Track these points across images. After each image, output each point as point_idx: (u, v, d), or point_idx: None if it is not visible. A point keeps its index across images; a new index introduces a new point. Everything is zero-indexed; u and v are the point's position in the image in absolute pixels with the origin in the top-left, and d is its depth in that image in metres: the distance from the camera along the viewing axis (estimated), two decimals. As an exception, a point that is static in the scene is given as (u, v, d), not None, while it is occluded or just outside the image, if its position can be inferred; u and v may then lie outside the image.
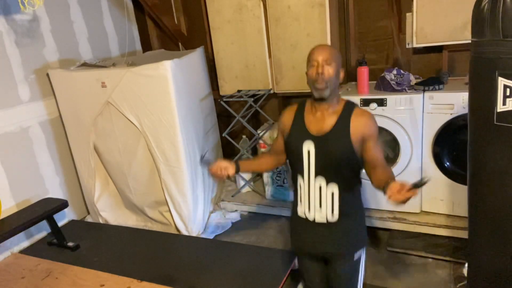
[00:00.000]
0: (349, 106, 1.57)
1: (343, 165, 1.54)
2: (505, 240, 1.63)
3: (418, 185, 1.27)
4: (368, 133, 1.52)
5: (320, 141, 1.54)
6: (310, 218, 1.63)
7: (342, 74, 1.57)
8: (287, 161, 1.75)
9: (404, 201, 1.28)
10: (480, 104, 1.59)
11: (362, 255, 1.71)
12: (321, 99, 1.53)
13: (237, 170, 1.72)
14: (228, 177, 1.72)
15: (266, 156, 1.91)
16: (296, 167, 1.64)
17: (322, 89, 1.50)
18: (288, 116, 1.67)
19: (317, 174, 1.56)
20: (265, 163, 1.87)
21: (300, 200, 1.65)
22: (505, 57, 1.44)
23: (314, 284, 1.81)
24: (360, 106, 2.68)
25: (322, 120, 1.56)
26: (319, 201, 1.59)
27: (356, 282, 1.74)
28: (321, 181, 1.56)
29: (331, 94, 1.52)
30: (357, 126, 1.52)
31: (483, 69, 1.54)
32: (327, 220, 1.60)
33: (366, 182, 2.62)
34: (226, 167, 1.68)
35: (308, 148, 1.56)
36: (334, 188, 1.56)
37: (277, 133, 1.78)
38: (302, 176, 1.60)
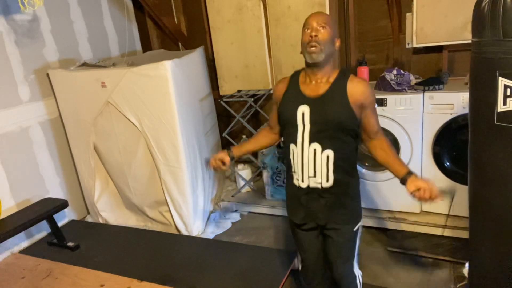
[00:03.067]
0: (344, 73, 1.54)
1: (340, 128, 1.50)
2: (506, 240, 1.63)
3: (445, 193, 1.31)
4: (367, 100, 1.50)
5: (315, 104, 1.51)
6: (304, 185, 1.60)
7: (337, 43, 1.54)
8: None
9: (428, 201, 1.34)
10: (481, 104, 1.59)
11: (359, 228, 1.69)
12: (314, 65, 1.49)
13: (232, 157, 1.78)
14: (224, 164, 1.78)
15: (263, 131, 1.89)
16: (289, 134, 1.59)
17: (316, 52, 1.46)
18: (281, 86, 1.65)
19: (311, 140, 1.52)
20: (262, 139, 1.86)
21: (294, 170, 1.61)
22: (506, 57, 1.44)
23: (309, 255, 1.80)
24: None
25: (316, 86, 1.53)
26: (313, 167, 1.55)
27: (353, 253, 1.72)
28: (316, 147, 1.52)
29: (325, 59, 1.48)
30: (354, 93, 1.49)
31: (484, 69, 1.54)
32: (321, 186, 1.57)
33: (363, 182, 2.62)
34: (221, 156, 1.76)
35: (303, 111, 1.52)
36: (329, 153, 1.52)
37: (273, 106, 1.75)
38: (295, 142, 1.56)
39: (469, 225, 1.85)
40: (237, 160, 3.48)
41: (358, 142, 1.61)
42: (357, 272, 1.80)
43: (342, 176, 1.57)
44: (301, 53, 1.53)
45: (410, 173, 1.50)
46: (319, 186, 1.57)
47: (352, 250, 1.71)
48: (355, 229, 1.67)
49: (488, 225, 1.69)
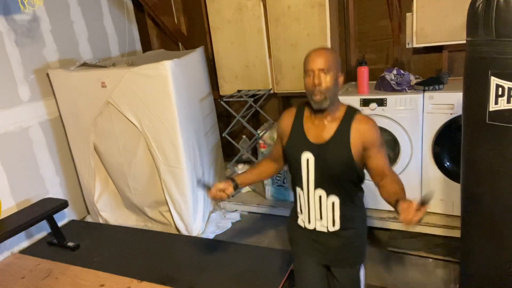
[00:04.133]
0: (350, 112, 1.49)
1: (343, 176, 1.48)
2: (498, 238, 1.64)
3: (425, 201, 1.23)
4: (370, 140, 1.44)
5: (319, 151, 1.48)
6: (310, 227, 1.60)
7: (341, 80, 1.48)
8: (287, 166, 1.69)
9: (418, 221, 1.23)
10: (473, 103, 1.60)
11: (361, 267, 1.67)
12: (320, 110, 1.47)
13: (236, 187, 1.68)
14: (229, 196, 1.68)
15: (265, 162, 1.81)
16: (295, 177, 1.59)
17: (320, 101, 1.43)
18: (286, 122, 1.60)
19: (316, 186, 1.51)
20: (265, 171, 1.79)
21: (301, 210, 1.61)
22: (498, 57, 1.45)
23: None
24: (360, 106, 2.69)
25: (321, 127, 1.49)
26: (319, 212, 1.55)
27: None
28: (321, 192, 1.51)
29: (331, 103, 1.45)
30: (358, 134, 1.44)
31: (477, 68, 1.56)
32: (327, 230, 1.57)
33: (365, 182, 2.61)
34: (224, 188, 1.64)
35: (307, 157, 1.50)
36: (334, 199, 1.51)
37: (276, 139, 1.72)
38: (301, 187, 1.56)
39: (461, 224, 1.85)
40: (237, 161, 3.48)
41: (362, 185, 1.58)
42: None
43: (349, 220, 1.56)
44: (305, 91, 1.47)
45: (398, 200, 1.36)
46: (325, 230, 1.57)
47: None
48: (360, 268, 1.66)
49: (480, 223, 1.71)
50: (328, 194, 1.51)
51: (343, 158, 1.45)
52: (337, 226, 1.55)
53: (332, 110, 1.48)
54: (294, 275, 1.81)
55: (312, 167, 1.50)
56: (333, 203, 1.52)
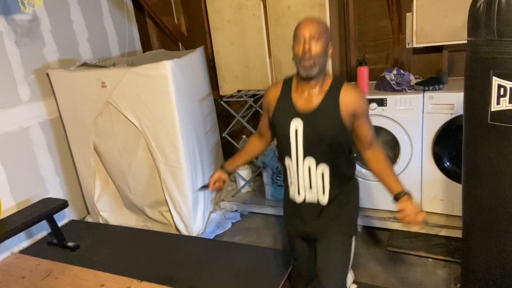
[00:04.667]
0: (338, 82, 1.50)
1: (334, 143, 1.48)
2: (499, 239, 1.64)
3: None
4: (359, 109, 1.46)
5: (308, 119, 1.47)
6: (300, 199, 1.58)
7: (330, 50, 1.49)
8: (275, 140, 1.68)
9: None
10: (475, 103, 1.60)
11: (352, 241, 1.66)
12: (308, 78, 1.46)
13: (227, 171, 1.75)
14: (224, 182, 1.75)
15: (252, 140, 1.84)
16: (283, 147, 1.56)
17: (310, 67, 1.42)
18: (273, 93, 1.59)
19: (306, 154, 1.50)
20: (253, 149, 1.81)
21: (291, 182, 1.60)
22: (500, 57, 1.45)
23: (302, 264, 1.79)
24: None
25: (309, 97, 1.49)
26: (309, 182, 1.53)
27: (345, 266, 1.67)
28: (311, 161, 1.50)
29: (320, 71, 1.44)
30: (347, 102, 1.45)
31: (478, 68, 1.55)
32: (318, 201, 1.56)
33: (365, 182, 2.61)
34: (218, 177, 1.71)
35: (296, 126, 1.48)
36: (324, 169, 1.50)
37: (263, 112, 1.70)
38: (290, 157, 1.53)
39: (462, 224, 1.85)
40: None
41: (352, 156, 1.60)
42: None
43: (339, 190, 1.55)
44: (292, 60, 1.48)
45: (404, 192, 1.46)
46: (315, 200, 1.56)
47: (345, 262, 1.66)
48: (349, 241, 1.64)
49: (481, 223, 1.70)
50: (317, 162, 1.50)
51: (333, 123, 1.46)
52: (327, 196, 1.54)
53: (320, 80, 1.48)
54: (291, 250, 1.84)
55: (301, 135, 1.49)
56: (322, 173, 1.51)
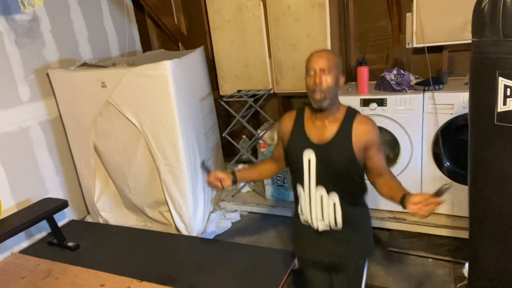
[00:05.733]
0: (351, 113, 1.52)
1: (345, 174, 1.50)
2: (507, 240, 1.63)
3: (440, 193, 1.24)
4: (371, 140, 1.48)
5: (321, 150, 1.50)
6: (314, 227, 1.60)
7: (342, 81, 1.51)
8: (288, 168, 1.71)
9: (429, 214, 1.25)
10: (481, 104, 1.59)
11: (365, 264, 1.69)
12: (320, 110, 1.49)
13: (235, 181, 1.69)
14: (223, 188, 1.68)
15: (266, 162, 1.84)
16: (296, 176, 1.60)
17: (320, 100, 1.45)
18: (287, 123, 1.63)
19: (317, 183, 1.53)
20: (265, 171, 1.81)
21: (301, 210, 1.62)
22: (506, 57, 1.44)
23: None
24: (360, 106, 2.69)
25: (322, 128, 1.52)
26: (320, 211, 1.56)
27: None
28: (322, 191, 1.53)
29: (331, 103, 1.47)
30: (359, 134, 1.47)
31: (484, 69, 1.54)
32: (330, 228, 1.58)
33: (365, 182, 2.59)
34: (223, 178, 1.65)
35: (309, 157, 1.52)
36: (335, 198, 1.52)
37: (277, 140, 1.74)
38: (302, 185, 1.57)
39: (469, 225, 1.84)
40: (237, 161, 3.48)
41: (364, 183, 1.61)
42: None
43: (350, 218, 1.56)
44: (306, 91, 1.50)
45: (405, 194, 1.38)
46: (328, 228, 1.58)
47: (359, 286, 1.70)
48: (360, 265, 1.67)
49: (488, 225, 1.69)
50: (329, 192, 1.52)
51: (345, 157, 1.48)
52: (340, 225, 1.56)
53: (333, 110, 1.51)
54: (305, 277, 1.83)
55: (314, 166, 1.52)
56: (334, 203, 1.53)
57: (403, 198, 1.33)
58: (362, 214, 1.65)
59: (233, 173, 1.69)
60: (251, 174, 1.85)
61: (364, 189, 1.63)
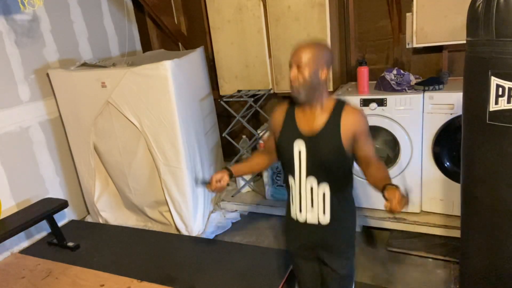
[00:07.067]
0: (339, 104, 1.54)
1: (334, 165, 1.53)
2: (497, 238, 1.64)
3: (406, 194, 1.32)
4: (359, 130, 1.50)
5: (311, 141, 1.52)
6: (302, 219, 1.62)
7: (324, 74, 1.48)
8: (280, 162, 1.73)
9: (400, 210, 1.31)
10: (473, 103, 1.60)
11: (353, 253, 1.72)
12: (300, 102, 1.53)
13: (231, 175, 1.74)
14: (228, 184, 1.74)
15: (258, 155, 1.89)
16: (287, 167, 1.62)
17: (295, 94, 1.49)
18: (278, 116, 1.65)
19: (308, 174, 1.55)
20: (258, 164, 1.85)
21: (292, 201, 1.65)
22: (498, 57, 1.45)
23: (307, 285, 1.82)
24: (360, 106, 2.69)
25: (312, 119, 1.54)
26: (310, 201, 1.58)
27: (351, 282, 1.75)
28: (312, 181, 1.55)
29: (308, 97, 1.49)
30: (348, 124, 1.49)
31: (477, 68, 1.55)
32: (318, 221, 1.60)
33: (363, 182, 2.61)
34: (221, 177, 1.70)
35: (299, 148, 1.54)
36: (325, 188, 1.55)
37: (269, 133, 1.76)
38: (293, 176, 1.59)
39: (461, 224, 1.85)
40: (237, 161, 3.48)
41: (352, 174, 1.64)
42: None
43: (339, 209, 1.59)
44: None
45: (391, 184, 1.40)
46: (316, 221, 1.60)
47: (349, 276, 1.74)
48: (349, 256, 1.70)
49: (479, 223, 1.70)
50: (319, 182, 1.54)
51: (334, 148, 1.50)
52: (328, 217, 1.58)
53: (318, 102, 1.52)
54: (293, 270, 1.86)
55: (304, 156, 1.54)
56: (324, 193, 1.55)
57: (383, 189, 1.38)
58: (349, 206, 1.66)
59: (227, 169, 1.74)
60: (244, 168, 1.89)
61: (351, 182, 1.65)
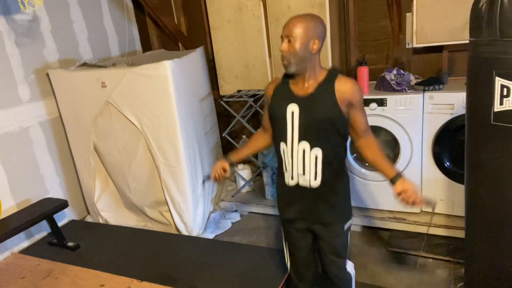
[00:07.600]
0: (332, 73, 1.55)
1: (328, 127, 1.52)
2: (502, 240, 1.63)
3: (429, 204, 1.43)
4: (354, 98, 1.51)
5: (304, 102, 1.52)
6: (293, 183, 1.62)
7: (315, 45, 1.50)
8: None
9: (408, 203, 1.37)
10: (478, 103, 1.59)
11: (350, 227, 1.72)
12: (291, 74, 1.54)
13: (231, 162, 1.78)
14: (225, 171, 1.78)
15: (258, 135, 1.90)
16: (279, 133, 1.62)
17: (285, 65, 1.51)
18: (272, 85, 1.68)
19: (300, 138, 1.55)
20: (259, 143, 1.86)
21: (285, 168, 1.64)
22: (503, 57, 1.44)
23: (300, 254, 1.82)
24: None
25: (305, 87, 1.55)
26: (302, 166, 1.57)
27: (344, 251, 1.74)
28: (305, 145, 1.54)
29: (299, 68, 1.50)
30: (343, 92, 1.50)
31: (481, 69, 1.54)
32: (310, 185, 1.59)
33: (365, 182, 2.61)
34: (220, 165, 1.75)
35: (292, 110, 1.54)
36: (318, 152, 1.54)
37: (265, 106, 1.76)
38: (286, 141, 1.59)
39: (465, 225, 1.85)
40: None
41: (346, 142, 1.65)
42: (351, 271, 1.81)
43: (330, 176, 1.59)
44: None
45: (400, 175, 1.52)
46: (307, 184, 1.60)
47: (344, 248, 1.73)
48: (345, 228, 1.70)
49: (484, 224, 1.70)
50: (312, 146, 1.54)
51: (329, 107, 1.51)
52: (319, 180, 1.57)
53: (311, 73, 1.53)
54: (284, 238, 1.89)
55: (297, 119, 1.54)
56: (316, 156, 1.55)
57: (395, 177, 1.45)
58: (341, 175, 1.66)
59: (227, 157, 1.78)
60: (245, 151, 1.89)
61: (345, 149, 1.65)
